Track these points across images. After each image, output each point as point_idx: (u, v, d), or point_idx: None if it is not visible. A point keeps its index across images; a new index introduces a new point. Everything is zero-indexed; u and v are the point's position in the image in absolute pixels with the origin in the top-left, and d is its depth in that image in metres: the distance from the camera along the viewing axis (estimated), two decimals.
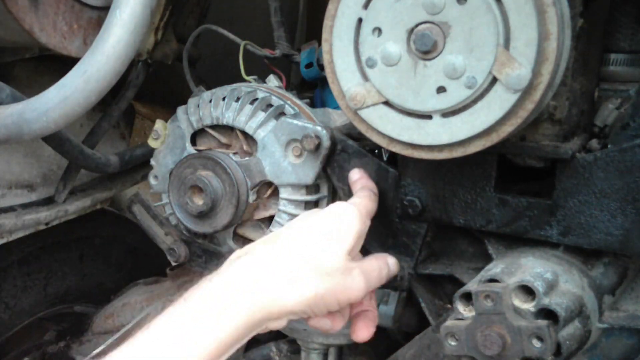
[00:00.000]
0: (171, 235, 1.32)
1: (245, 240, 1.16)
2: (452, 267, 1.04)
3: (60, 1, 1.10)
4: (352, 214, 0.89)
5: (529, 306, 0.82)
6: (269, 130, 1.06)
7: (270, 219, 1.11)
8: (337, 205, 0.91)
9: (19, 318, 1.48)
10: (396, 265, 0.96)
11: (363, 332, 0.93)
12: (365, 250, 1.08)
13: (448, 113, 0.82)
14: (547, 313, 0.82)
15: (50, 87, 1.01)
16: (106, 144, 1.46)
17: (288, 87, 1.23)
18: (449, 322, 0.87)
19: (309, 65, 1.19)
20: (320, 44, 0.94)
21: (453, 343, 0.86)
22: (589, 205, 0.89)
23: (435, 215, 0.99)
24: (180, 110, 1.17)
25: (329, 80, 0.90)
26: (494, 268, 0.89)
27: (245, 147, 1.10)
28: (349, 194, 1.05)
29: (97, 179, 1.49)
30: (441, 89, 0.81)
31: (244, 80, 1.19)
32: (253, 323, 0.80)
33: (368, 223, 0.92)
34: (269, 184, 1.10)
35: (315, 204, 1.09)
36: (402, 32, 0.82)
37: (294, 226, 0.89)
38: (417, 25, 0.81)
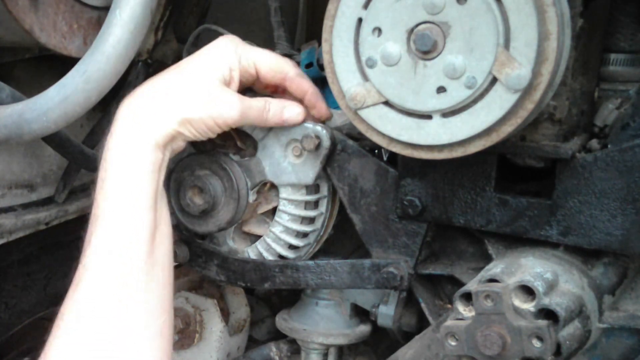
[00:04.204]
0: None
1: (251, 237, 1.16)
2: (452, 267, 1.04)
3: (60, 1, 1.09)
4: (224, 47, 0.98)
5: (529, 306, 0.82)
6: (269, 130, 1.06)
7: (273, 211, 1.11)
8: (216, 41, 1.00)
9: (19, 318, 1.48)
10: (297, 114, 1.02)
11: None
12: (366, 251, 1.08)
13: (448, 113, 0.82)
14: (547, 313, 0.82)
15: (50, 87, 1.00)
16: None
17: None
18: (449, 322, 0.87)
19: (309, 65, 1.19)
20: (320, 44, 0.94)
21: (453, 343, 0.86)
22: (589, 205, 0.89)
23: (435, 215, 0.99)
24: None
25: (329, 80, 0.90)
26: (494, 268, 0.89)
27: (239, 144, 1.09)
28: (349, 194, 1.05)
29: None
30: (441, 89, 0.81)
31: None
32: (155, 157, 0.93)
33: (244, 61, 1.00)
34: None
35: (315, 204, 1.09)
36: (402, 32, 0.82)
37: (179, 65, 0.99)
38: (417, 25, 0.81)
